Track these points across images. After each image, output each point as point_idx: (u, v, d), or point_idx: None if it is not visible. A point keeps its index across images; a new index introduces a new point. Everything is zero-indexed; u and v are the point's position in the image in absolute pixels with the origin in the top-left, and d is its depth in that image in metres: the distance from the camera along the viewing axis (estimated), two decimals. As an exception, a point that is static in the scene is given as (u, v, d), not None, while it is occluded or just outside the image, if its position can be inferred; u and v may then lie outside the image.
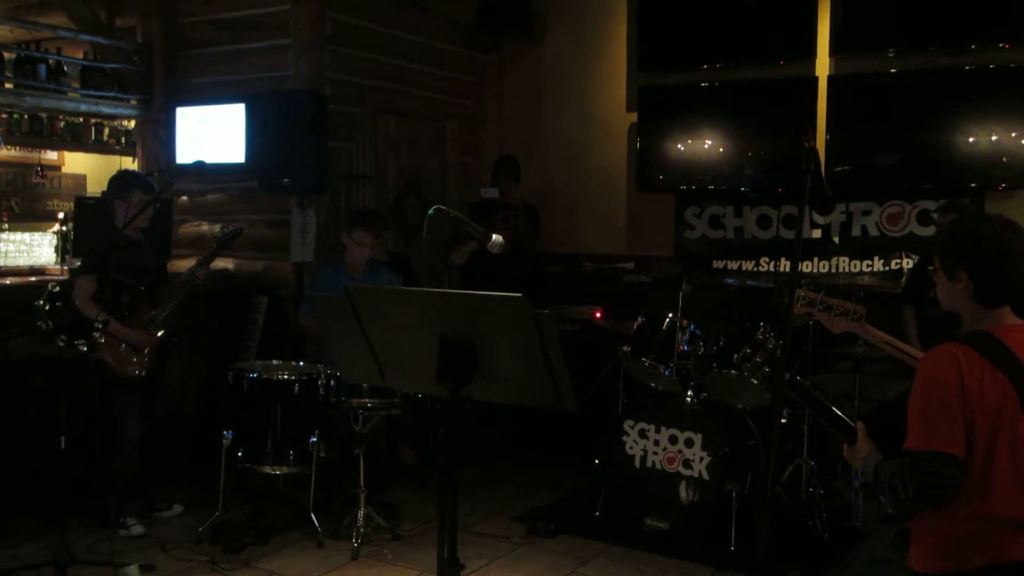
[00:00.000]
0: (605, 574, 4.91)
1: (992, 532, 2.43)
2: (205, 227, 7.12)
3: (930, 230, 6.57)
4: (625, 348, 5.71)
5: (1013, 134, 6.29)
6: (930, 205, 6.62)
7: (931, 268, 2.72)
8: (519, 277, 6.23)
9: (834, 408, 2.79)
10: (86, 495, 5.17)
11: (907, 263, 6.70)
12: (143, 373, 5.26)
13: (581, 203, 8.01)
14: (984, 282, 2.53)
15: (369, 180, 7.12)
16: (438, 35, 7.71)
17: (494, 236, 3.29)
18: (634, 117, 7.71)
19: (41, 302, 4.53)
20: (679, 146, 7.41)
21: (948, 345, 2.49)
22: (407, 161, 7.59)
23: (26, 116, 7.51)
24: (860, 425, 2.70)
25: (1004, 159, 6.33)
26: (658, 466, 5.45)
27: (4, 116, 7.39)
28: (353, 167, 7.00)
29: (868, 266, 6.95)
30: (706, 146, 7.33)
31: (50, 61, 6.70)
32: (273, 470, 5.23)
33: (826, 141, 6.78)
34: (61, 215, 8.07)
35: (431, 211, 3.18)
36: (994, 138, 6.36)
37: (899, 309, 5.74)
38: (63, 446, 4.48)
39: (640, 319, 5.80)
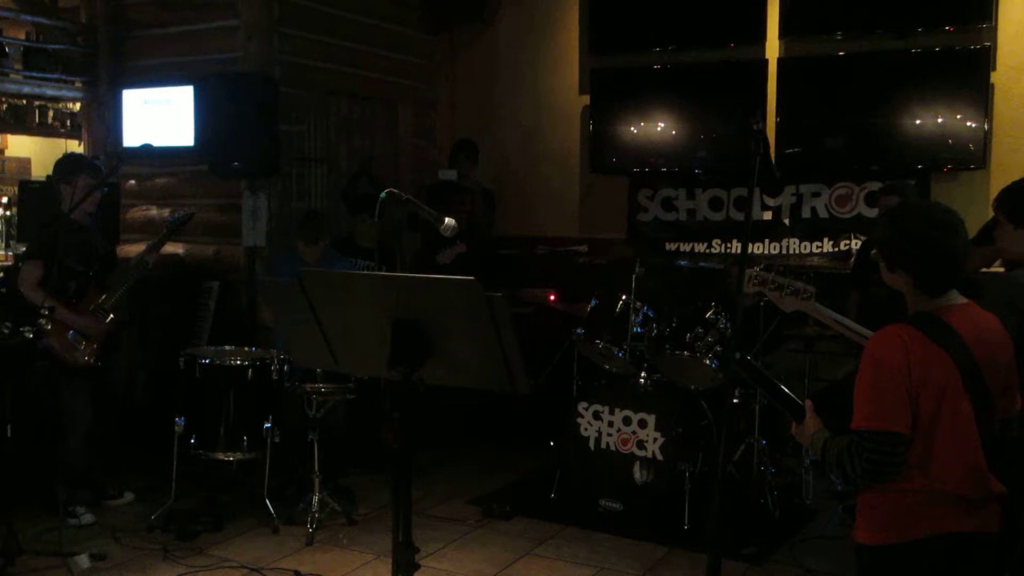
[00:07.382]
0: (560, 555, 4.94)
1: (933, 505, 2.51)
2: (154, 211, 7.01)
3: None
4: (579, 330, 5.73)
5: (958, 116, 6.39)
6: (878, 187, 6.68)
7: (874, 252, 2.76)
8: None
9: (783, 387, 2.83)
10: (34, 484, 5.09)
11: (856, 244, 6.80)
12: (92, 360, 5.18)
13: (535, 186, 8.00)
14: (924, 278, 2.59)
15: (320, 163, 7.06)
16: (389, 16, 7.64)
17: (447, 219, 3.28)
18: (587, 100, 7.71)
19: (-15, 289, 4.44)
20: (632, 129, 7.43)
21: (894, 327, 2.54)
22: (359, 144, 7.53)
23: (-33, 98, 7.35)
24: (808, 403, 2.76)
25: (950, 141, 6.43)
26: (612, 447, 5.49)
27: (-56, 98, 7.25)
28: (304, 150, 6.94)
29: (818, 247, 7.03)
30: (658, 128, 7.36)
31: (-9, 42, 6.55)
32: (227, 456, 5.19)
33: (776, 123, 6.84)
34: (5, 199, 7.91)
35: (383, 194, 3.16)
36: (940, 120, 6.45)
37: (846, 292, 5.81)
38: (9, 435, 4.41)
39: (594, 301, 5.82)
